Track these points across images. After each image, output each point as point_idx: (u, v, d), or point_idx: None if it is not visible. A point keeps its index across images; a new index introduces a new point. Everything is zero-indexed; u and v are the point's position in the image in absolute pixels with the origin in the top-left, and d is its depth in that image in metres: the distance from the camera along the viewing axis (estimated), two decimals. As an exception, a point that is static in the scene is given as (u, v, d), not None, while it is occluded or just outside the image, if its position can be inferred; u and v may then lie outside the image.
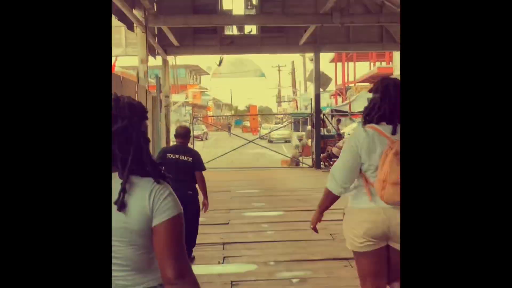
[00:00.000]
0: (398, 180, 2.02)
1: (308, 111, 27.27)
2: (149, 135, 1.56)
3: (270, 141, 28.81)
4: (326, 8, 9.09)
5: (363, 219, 2.26)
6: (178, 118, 32.14)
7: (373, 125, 2.26)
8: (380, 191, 2.16)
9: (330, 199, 2.37)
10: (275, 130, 25.35)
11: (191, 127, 15.42)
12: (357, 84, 26.42)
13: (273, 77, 50.11)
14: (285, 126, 24.22)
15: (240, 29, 12.91)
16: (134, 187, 1.28)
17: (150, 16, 9.05)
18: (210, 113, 56.02)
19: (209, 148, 20.16)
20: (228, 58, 25.32)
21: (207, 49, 12.80)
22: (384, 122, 2.25)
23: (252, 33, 12.85)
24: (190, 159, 4.24)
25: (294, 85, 37.65)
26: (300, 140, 16.32)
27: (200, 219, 4.51)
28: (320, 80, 12.80)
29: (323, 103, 30.31)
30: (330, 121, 14.60)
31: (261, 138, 31.82)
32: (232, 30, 12.94)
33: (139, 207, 1.27)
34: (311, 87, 34.49)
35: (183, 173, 4.13)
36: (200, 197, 4.43)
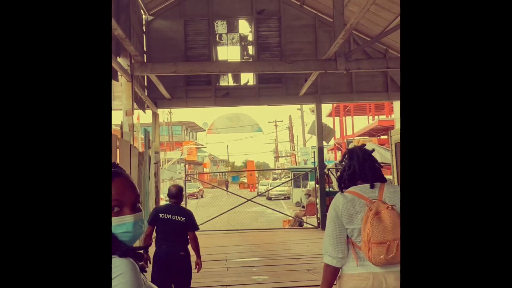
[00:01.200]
0: (382, 239, 2.09)
1: (308, 165, 26.35)
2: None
3: (269, 198, 27.55)
4: (330, 53, 8.29)
5: (352, 286, 2.23)
6: (172, 176, 31.05)
7: (351, 189, 2.30)
8: (366, 253, 2.16)
9: (330, 273, 2.32)
10: (275, 186, 24.04)
11: (184, 185, 14.38)
12: (357, 137, 25.64)
13: (270, 132, 49.65)
14: (285, 182, 23.04)
15: (236, 79, 12.15)
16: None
17: (136, 64, 8.19)
18: (206, 170, 54.98)
19: (204, 207, 18.89)
20: (224, 112, 24.71)
21: (200, 102, 11.95)
22: (360, 181, 2.30)
23: (249, 84, 12.07)
24: (183, 219, 4.17)
25: (292, 140, 36.95)
26: (308, 196, 15.09)
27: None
28: (323, 133, 11.84)
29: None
30: (335, 176, 13.49)
31: (259, 195, 30.66)
32: (227, 81, 12.17)
33: None
34: (310, 141, 33.94)
35: (175, 233, 4.11)
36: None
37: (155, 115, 11.94)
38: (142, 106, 11.41)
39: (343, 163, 2.43)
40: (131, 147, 8.30)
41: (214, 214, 12.78)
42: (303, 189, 21.03)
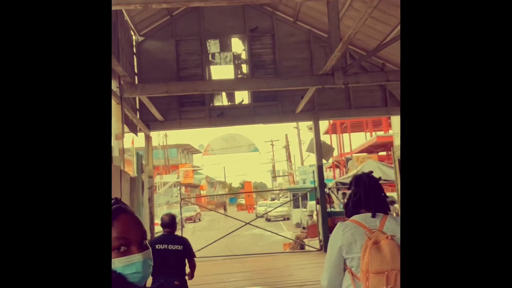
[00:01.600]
0: (380, 269, 2.07)
1: (307, 185, 25.84)
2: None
3: (268, 220, 26.96)
4: (327, 68, 7.97)
5: None
6: (168, 200, 30.45)
7: (353, 218, 2.29)
8: (364, 283, 2.11)
9: None
10: (274, 208, 23.43)
11: (180, 208, 13.88)
12: (356, 154, 25.27)
13: (266, 152, 49.27)
14: (285, 203, 22.47)
15: (230, 99, 11.81)
16: None
17: (125, 86, 7.82)
18: (203, 192, 54.33)
19: (202, 231, 18.33)
20: (219, 133, 24.38)
21: (195, 122, 11.57)
22: (363, 210, 2.30)
23: (243, 102, 11.72)
24: (181, 247, 4.18)
25: (289, 159, 36.55)
26: (311, 217, 14.59)
27: None
28: (322, 150, 11.45)
29: (312, 179, 29.05)
30: (336, 195, 13.05)
31: (258, 216, 30.02)
32: (221, 101, 11.82)
33: None
34: (308, 160, 33.50)
35: (172, 262, 4.11)
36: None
37: (148, 138, 11.53)
38: (134, 129, 11.02)
39: (350, 190, 2.42)
40: (122, 173, 7.86)
41: (212, 239, 12.28)
42: (303, 209, 20.52)
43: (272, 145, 49.70)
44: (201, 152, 47.11)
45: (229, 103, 11.79)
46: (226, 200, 50.80)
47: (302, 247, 12.52)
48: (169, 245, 4.16)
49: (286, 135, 36.34)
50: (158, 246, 4.14)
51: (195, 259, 4.45)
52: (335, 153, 27.83)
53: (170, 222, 4.31)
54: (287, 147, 36.60)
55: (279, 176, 52.17)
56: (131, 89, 7.88)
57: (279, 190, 37.61)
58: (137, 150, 11.64)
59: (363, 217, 2.26)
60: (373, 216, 2.25)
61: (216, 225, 17.56)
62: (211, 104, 11.67)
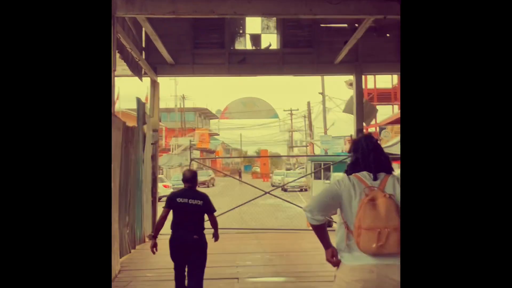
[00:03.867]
0: (373, 225, 2.12)
1: (329, 155, 23.94)
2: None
3: (284, 190, 25.34)
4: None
5: (357, 278, 2.19)
6: (181, 162, 29.07)
7: (356, 173, 2.32)
8: (356, 238, 2.16)
9: (318, 231, 2.37)
10: (297, 179, 21.60)
11: (180, 168, 12.11)
12: (385, 125, 23.08)
13: (283, 123, 46.98)
14: (308, 174, 20.58)
15: (255, 42, 9.75)
16: None
17: (119, 1, 5.85)
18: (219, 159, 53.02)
19: (215, 196, 16.67)
20: (238, 95, 22.47)
21: (211, 69, 9.60)
22: (365, 172, 2.31)
23: (271, 48, 9.67)
24: (201, 202, 4.22)
25: (310, 127, 34.48)
26: None
27: None
28: (364, 111, 9.39)
29: (338, 150, 26.97)
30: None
31: (272, 185, 28.34)
32: (244, 44, 9.77)
33: None
34: (331, 130, 31.41)
35: (192, 217, 4.17)
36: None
37: (154, 84, 9.61)
38: (138, 72, 9.09)
39: (350, 154, 2.46)
40: (112, 116, 6.01)
41: (225, 206, 10.55)
42: (326, 181, 18.66)
43: (291, 114, 47.60)
44: (218, 118, 45.49)
45: (254, 48, 9.75)
46: (241, 167, 49.29)
47: (329, 224, 10.67)
48: (190, 200, 4.19)
49: (309, 102, 34.16)
50: (179, 200, 4.19)
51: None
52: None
53: (191, 177, 4.34)
54: (308, 115, 34.47)
55: (297, 146, 50.18)
56: (127, 6, 5.90)
57: (303, 156, 35.58)
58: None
59: (365, 174, 2.31)
60: (374, 177, 2.28)
61: (231, 191, 15.98)
62: (232, 48, 9.64)
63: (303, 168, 36.00)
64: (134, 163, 7.84)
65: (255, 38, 9.68)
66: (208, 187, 29.65)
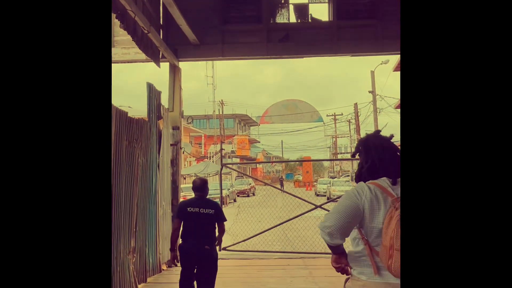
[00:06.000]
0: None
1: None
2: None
3: (330, 199, 23.05)
4: None
5: None
6: (218, 170, 27.40)
7: (374, 180, 2.02)
8: (387, 261, 1.85)
9: (335, 251, 2.04)
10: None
11: (219, 176, 10.16)
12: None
13: (326, 127, 44.56)
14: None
15: (301, 14, 7.68)
16: None
17: None
18: (260, 166, 51.20)
19: (255, 207, 14.75)
20: (279, 98, 20.56)
21: (244, 50, 7.62)
22: (382, 177, 2.04)
23: (322, 20, 7.58)
24: (212, 211, 4.20)
25: (358, 131, 31.97)
26: None
27: None
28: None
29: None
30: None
31: (317, 194, 26.09)
32: (286, 17, 7.73)
33: None
34: (385, 131, 28.72)
35: (203, 226, 4.16)
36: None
37: (174, 69, 7.70)
38: (156, 56, 7.24)
39: (359, 157, 2.17)
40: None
41: (267, 219, 8.54)
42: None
43: (335, 118, 45.23)
44: (258, 125, 43.87)
45: (299, 21, 7.69)
46: (283, 175, 47.23)
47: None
48: (201, 209, 4.15)
49: (356, 104, 31.63)
50: (190, 209, 4.16)
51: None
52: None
53: (201, 186, 4.28)
54: (356, 118, 31.97)
55: (341, 153, 47.59)
56: None
57: (354, 159, 33.13)
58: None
59: (384, 182, 1.99)
60: (394, 183, 1.97)
61: (272, 202, 14.03)
62: (271, 22, 7.63)
63: (348, 175, 33.47)
64: (144, 168, 5.94)
65: (301, 9, 7.62)
66: (248, 196, 27.84)
